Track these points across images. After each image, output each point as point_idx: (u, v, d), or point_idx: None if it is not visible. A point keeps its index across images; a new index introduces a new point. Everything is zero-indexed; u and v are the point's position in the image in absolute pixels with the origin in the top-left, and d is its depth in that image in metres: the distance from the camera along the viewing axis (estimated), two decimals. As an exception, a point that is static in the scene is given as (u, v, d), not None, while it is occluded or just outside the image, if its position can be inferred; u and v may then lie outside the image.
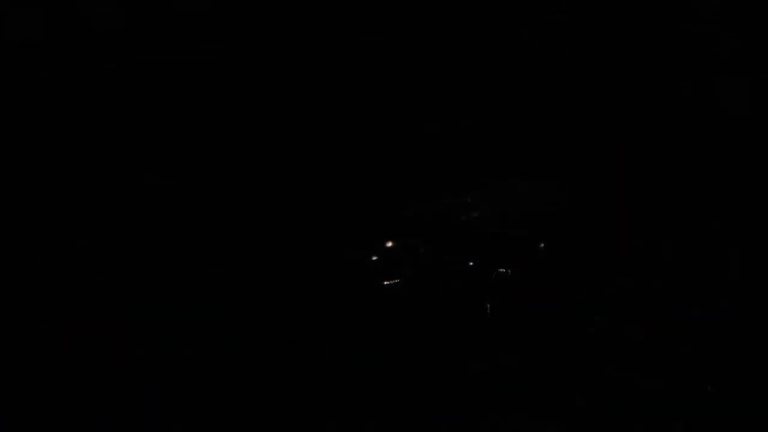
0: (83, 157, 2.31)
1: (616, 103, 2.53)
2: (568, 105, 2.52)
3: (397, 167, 2.21)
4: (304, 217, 2.00)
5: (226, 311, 1.61)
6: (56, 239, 1.93)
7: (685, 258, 1.81)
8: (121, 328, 1.60)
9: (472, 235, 1.82)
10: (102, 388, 1.48)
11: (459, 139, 2.39)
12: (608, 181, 2.13)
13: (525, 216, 1.91)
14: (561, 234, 1.82)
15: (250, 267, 1.75)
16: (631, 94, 2.56)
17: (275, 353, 1.50)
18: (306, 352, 1.49)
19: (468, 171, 2.19)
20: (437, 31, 2.66)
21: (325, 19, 2.63)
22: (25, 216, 2.04)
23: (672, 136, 2.39)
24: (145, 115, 2.46)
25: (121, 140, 2.37)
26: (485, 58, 2.64)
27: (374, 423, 1.35)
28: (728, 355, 1.51)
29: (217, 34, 2.57)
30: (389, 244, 1.74)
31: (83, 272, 1.80)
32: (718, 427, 1.36)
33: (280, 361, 1.48)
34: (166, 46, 2.52)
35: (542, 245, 1.71)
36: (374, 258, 1.68)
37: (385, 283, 1.60)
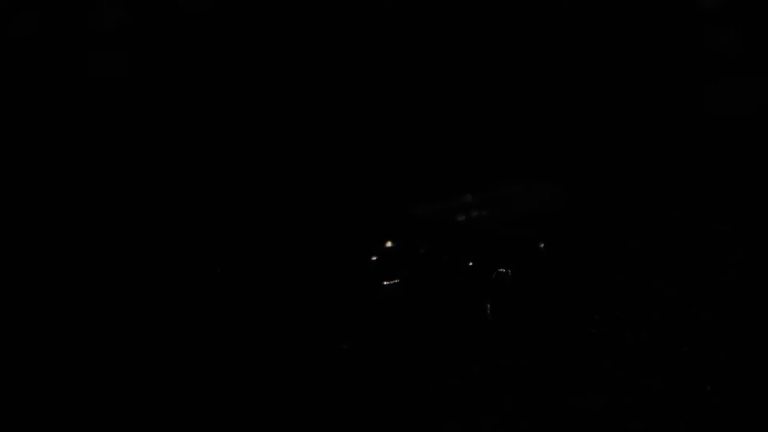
0: (83, 157, 2.31)
1: (615, 103, 2.53)
2: (567, 105, 2.52)
3: (397, 168, 2.21)
4: (304, 217, 2.00)
5: (226, 311, 1.61)
6: (56, 239, 1.93)
7: (685, 258, 1.81)
8: (120, 328, 1.61)
9: (472, 235, 1.82)
10: (102, 388, 1.48)
11: (459, 140, 2.39)
12: (608, 182, 2.13)
13: (525, 216, 1.91)
14: (561, 234, 1.82)
15: (250, 267, 1.75)
16: (631, 94, 2.56)
17: (275, 353, 1.50)
18: (305, 352, 1.49)
19: (468, 171, 2.19)
20: (438, 31, 2.66)
21: (327, 19, 2.63)
22: (24, 216, 2.05)
23: (671, 136, 2.38)
24: (145, 114, 2.46)
25: (122, 140, 2.37)
26: (485, 58, 2.64)
27: (374, 423, 1.35)
28: (728, 355, 1.51)
29: (218, 34, 2.57)
30: (389, 244, 1.74)
31: (82, 272, 1.80)
32: (718, 427, 1.36)
33: (280, 361, 1.48)
34: (167, 46, 2.52)
35: (542, 245, 1.72)
36: (374, 258, 1.68)
37: (385, 283, 1.60)
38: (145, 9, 2.58)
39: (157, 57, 2.55)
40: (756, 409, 1.46)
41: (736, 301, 1.67)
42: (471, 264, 1.63)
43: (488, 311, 1.49)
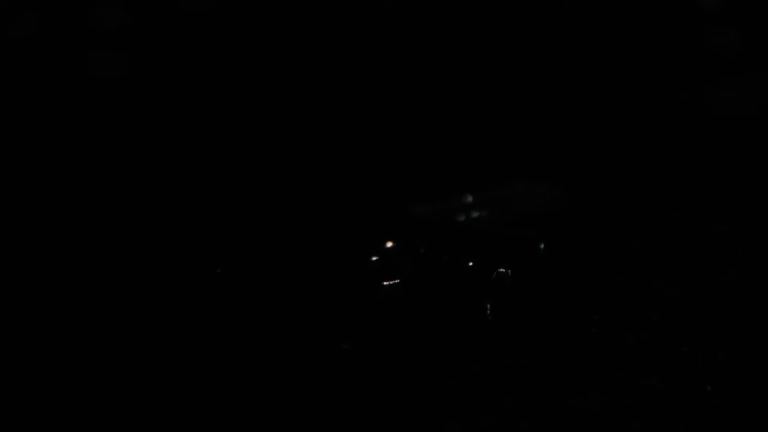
0: (83, 157, 2.31)
1: (615, 103, 2.53)
2: (567, 105, 2.52)
3: (398, 168, 2.21)
4: (305, 217, 2.00)
5: (226, 311, 1.61)
6: (56, 239, 1.93)
7: (685, 258, 1.81)
8: (120, 328, 1.61)
9: (472, 235, 1.82)
10: (101, 388, 1.48)
11: (459, 140, 2.39)
12: (608, 182, 2.13)
13: (525, 216, 1.91)
14: (561, 234, 1.82)
15: (251, 267, 1.75)
16: (631, 94, 2.56)
17: (274, 353, 1.50)
18: (305, 352, 1.49)
19: (468, 171, 2.19)
20: (438, 31, 2.66)
21: (327, 19, 2.63)
22: (24, 216, 2.05)
23: (671, 136, 2.39)
24: (145, 114, 2.46)
25: (122, 140, 2.37)
26: (485, 58, 2.64)
27: (374, 423, 1.35)
28: (728, 355, 1.51)
29: (218, 34, 2.58)
30: (389, 244, 1.74)
31: (82, 271, 1.80)
32: (718, 427, 1.36)
33: (280, 361, 1.48)
34: (167, 46, 2.52)
35: (542, 245, 1.72)
36: (374, 258, 1.68)
37: (385, 283, 1.60)
38: (145, 9, 2.58)
39: (157, 57, 2.55)
40: (756, 409, 1.46)
41: (736, 301, 1.67)
42: (471, 264, 1.63)
43: (488, 311, 1.49)
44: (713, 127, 2.39)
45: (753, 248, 1.84)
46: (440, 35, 2.66)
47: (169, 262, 1.81)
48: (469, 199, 1.95)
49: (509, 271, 1.63)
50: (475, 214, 1.89)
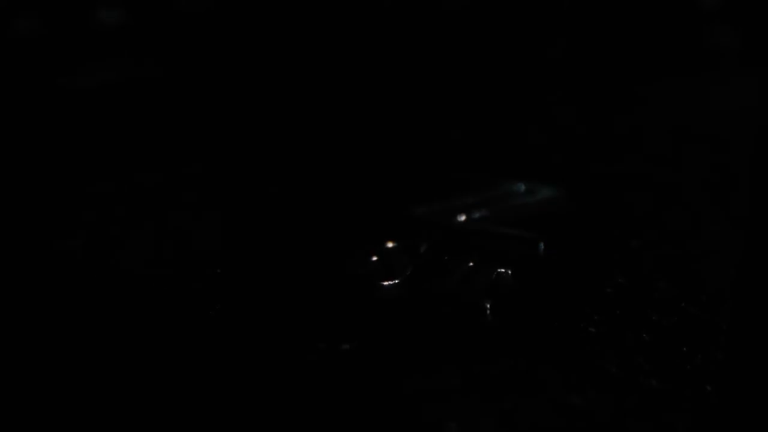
0: (83, 157, 2.31)
1: (614, 103, 2.53)
2: (567, 105, 2.53)
3: (398, 168, 2.21)
4: (304, 216, 2.00)
5: (226, 310, 1.62)
6: (56, 239, 1.94)
7: (685, 258, 1.81)
8: (120, 327, 1.61)
9: (472, 235, 1.82)
10: (101, 389, 1.48)
11: (458, 140, 2.39)
12: (608, 182, 2.13)
13: (525, 216, 1.91)
14: (561, 234, 1.82)
15: (250, 267, 1.75)
16: (631, 94, 2.56)
17: (274, 353, 1.50)
18: (305, 351, 1.49)
19: (468, 171, 2.19)
20: (438, 31, 2.67)
21: (327, 19, 2.63)
22: (24, 216, 2.05)
23: (671, 135, 2.39)
24: (144, 114, 2.46)
25: (121, 140, 2.38)
26: (486, 58, 2.64)
27: (374, 423, 1.35)
28: (728, 355, 1.51)
29: (218, 34, 2.58)
30: (389, 244, 1.75)
31: (81, 271, 1.80)
32: (718, 427, 1.36)
33: (279, 361, 1.48)
34: (167, 46, 2.52)
35: (542, 245, 1.72)
36: (374, 258, 1.68)
37: (385, 283, 1.60)
38: (145, 9, 2.59)
39: (156, 57, 2.55)
40: (756, 409, 1.46)
41: (736, 301, 1.67)
42: (471, 264, 1.63)
43: (488, 311, 1.49)
44: (713, 126, 2.39)
45: (753, 248, 1.85)
46: (440, 35, 2.67)
47: (168, 262, 1.81)
48: (469, 199, 1.95)
49: (509, 271, 1.63)
50: (475, 214, 1.89)
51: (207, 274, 1.73)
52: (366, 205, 2.00)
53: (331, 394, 1.41)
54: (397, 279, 1.60)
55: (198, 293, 1.66)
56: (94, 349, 1.56)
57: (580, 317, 1.57)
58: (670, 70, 2.81)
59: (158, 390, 1.46)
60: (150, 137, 2.47)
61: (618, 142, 2.38)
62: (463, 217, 1.87)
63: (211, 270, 1.74)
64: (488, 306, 1.52)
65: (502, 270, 1.63)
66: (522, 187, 2.02)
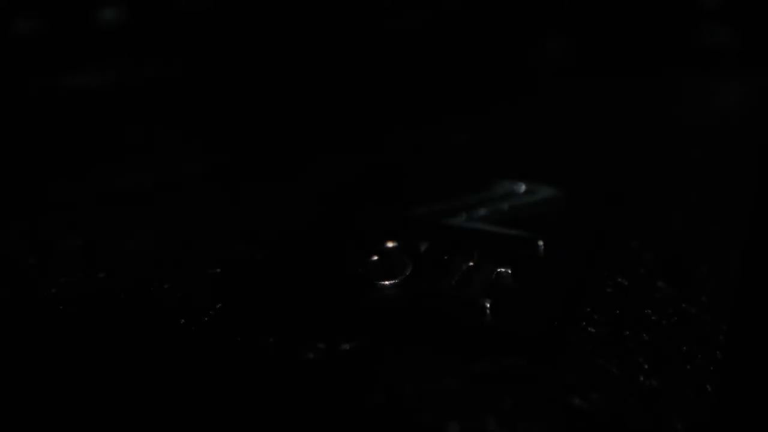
0: (83, 157, 2.31)
1: (614, 102, 2.54)
2: (567, 105, 2.53)
3: (398, 167, 2.21)
4: (304, 216, 2.00)
5: (225, 310, 1.62)
6: (56, 239, 1.94)
7: (685, 258, 1.81)
8: (120, 328, 1.61)
9: (472, 235, 1.82)
10: (101, 389, 1.48)
11: (458, 140, 2.39)
12: (608, 182, 2.13)
13: (525, 216, 1.91)
14: (561, 234, 1.82)
15: (250, 267, 1.75)
16: (631, 94, 2.56)
17: (273, 353, 1.50)
18: (305, 352, 1.49)
19: (468, 171, 2.19)
20: (437, 30, 2.67)
21: (327, 19, 2.64)
22: (23, 216, 2.05)
23: (670, 135, 2.39)
24: (144, 114, 2.47)
25: (121, 140, 2.38)
26: (486, 57, 2.65)
27: (374, 423, 1.35)
28: (728, 355, 1.51)
29: (218, 34, 2.58)
30: (389, 244, 1.75)
31: (80, 270, 1.80)
32: (718, 427, 1.36)
33: (278, 362, 1.48)
34: (167, 46, 2.52)
35: (542, 245, 1.72)
36: (374, 258, 1.68)
37: (385, 283, 1.60)
38: (145, 9, 2.59)
39: (157, 57, 2.55)
40: (756, 409, 1.46)
41: (735, 301, 1.67)
42: (471, 263, 1.63)
43: (488, 311, 1.49)
44: (713, 127, 2.39)
45: (753, 248, 1.85)
46: (440, 34, 2.67)
47: (167, 261, 1.81)
48: (469, 199, 1.95)
49: (509, 271, 1.63)
50: (475, 214, 1.89)
51: (207, 274, 1.73)
52: (366, 204, 2.00)
53: (331, 393, 1.41)
54: (397, 279, 1.60)
55: (198, 293, 1.66)
56: (94, 349, 1.56)
57: (580, 317, 1.57)
58: (670, 70, 2.81)
59: (158, 390, 1.46)
60: (150, 137, 2.47)
61: (618, 142, 2.38)
62: (463, 217, 1.87)
63: (211, 270, 1.74)
64: (488, 306, 1.52)
65: (502, 270, 1.63)
66: (522, 187, 2.02)
